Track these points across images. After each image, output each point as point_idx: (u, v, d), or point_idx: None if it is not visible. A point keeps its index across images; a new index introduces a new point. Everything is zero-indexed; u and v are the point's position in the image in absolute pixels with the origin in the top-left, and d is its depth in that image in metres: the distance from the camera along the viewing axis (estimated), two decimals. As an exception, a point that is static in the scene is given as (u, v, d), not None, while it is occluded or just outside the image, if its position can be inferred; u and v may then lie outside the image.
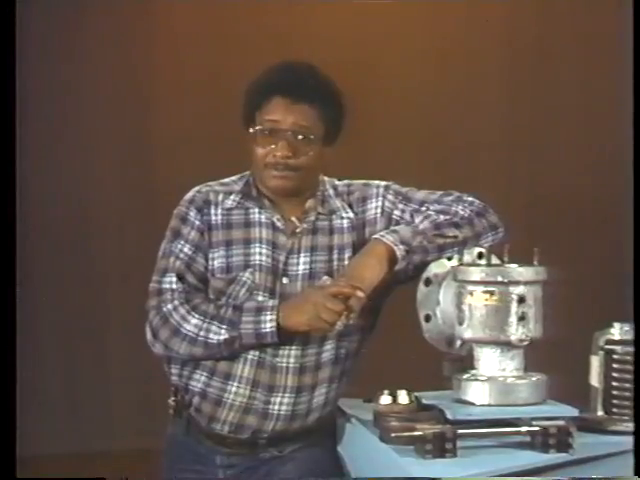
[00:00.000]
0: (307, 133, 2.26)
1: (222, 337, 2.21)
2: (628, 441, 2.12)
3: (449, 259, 2.28)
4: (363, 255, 2.22)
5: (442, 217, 2.25)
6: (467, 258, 2.25)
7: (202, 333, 2.22)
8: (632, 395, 2.21)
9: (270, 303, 2.22)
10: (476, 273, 2.16)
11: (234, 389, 2.27)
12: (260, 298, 2.26)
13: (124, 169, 4.94)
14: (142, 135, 4.97)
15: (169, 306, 2.25)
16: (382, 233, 2.23)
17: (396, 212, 2.31)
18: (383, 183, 2.36)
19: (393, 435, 2.07)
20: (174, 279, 2.27)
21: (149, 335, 2.28)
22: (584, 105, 5.24)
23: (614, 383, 2.23)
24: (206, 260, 2.29)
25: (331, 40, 4.88)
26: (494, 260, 2.22)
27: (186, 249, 2.29)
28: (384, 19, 5.08)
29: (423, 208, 2.29)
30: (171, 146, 4.88)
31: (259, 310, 2.21)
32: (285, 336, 2.21)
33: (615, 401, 2.23)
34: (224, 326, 2.21)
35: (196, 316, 2.23)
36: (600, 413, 2.25)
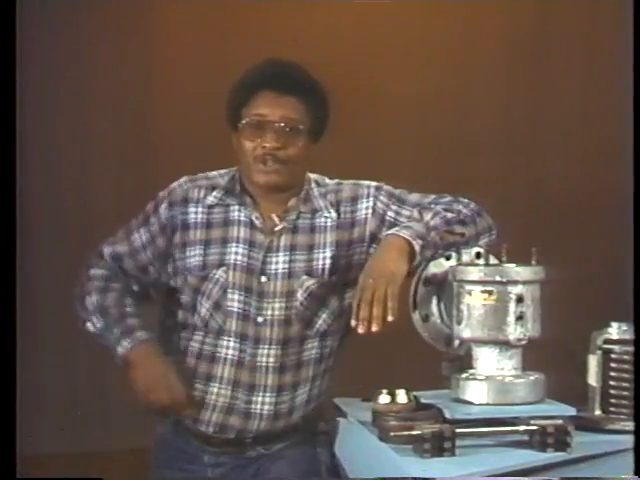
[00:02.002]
0: (295, 125, 2.26)
1: (97, 328, 2.33)
2: (625, 440, 2.13)
3: (447, 259, 2.30)
4: (382, 251, 2.18)
5: (450, 215, 2.24)
6: (465, 258, 2.26)
7: (89, 317, 2.33)
8: (630, 394, 2.22)
9: (125, 342, 2.29)
10: (474, 273, 2.17)
11: (215, 390, 2.28)
12: (236, 296, 2.26)
13: (126, 169, 4.91)
14: (143, 134, 4.95)
15: (98, 271, 2.36)
16: (397, 229, 2.20)
17: (390, 213, 2.30)
18: (374, 184, 2.35)
19: (392, 434, 2.08)
20: (111, 253, 2.36)
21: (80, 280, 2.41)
22: (582, 104, 5.25)
23: (612, 382, 2.25)
24: (159, 256, 2.33)
25: (329, 40, 4.90)
26: (492, 260, 2.24)
27: (144, 237, 2.34)
28: (381, 20, 5.09)
29: (432, 205, 2.28)
30: (174, 145, 4.86)
31: (122, 337, 2.30)
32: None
33: (613, 400, 2.25)
34: (101, 325, 2.32)
35: (96, 295, 2.33)
36: (598, 412, 2.26)
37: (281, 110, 2.25)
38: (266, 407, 2.27)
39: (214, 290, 2.27)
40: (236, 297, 2.26)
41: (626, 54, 4.31)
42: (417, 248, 2.15)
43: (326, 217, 2.31)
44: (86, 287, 2.36)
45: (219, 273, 2.27)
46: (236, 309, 2.27)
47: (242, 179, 2.33)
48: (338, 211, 2.31)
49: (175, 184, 2.36)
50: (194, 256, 2.29)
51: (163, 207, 2.33)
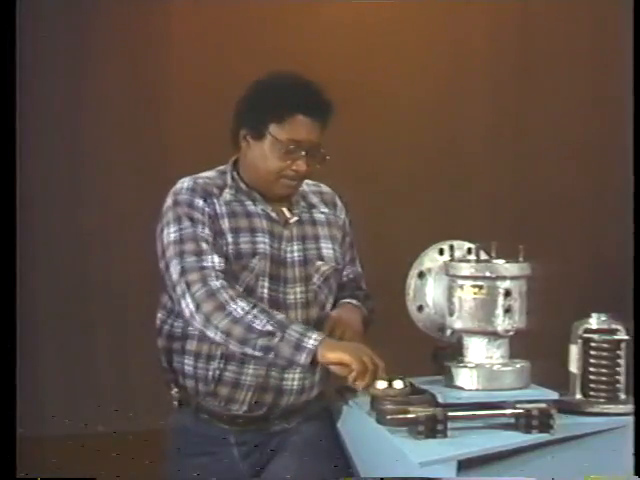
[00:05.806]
0: (319, 147, 2.42)
1: (266, 328, 2.26)
2: (603, 422, 2.28)
3: (441, 253, 2.43)
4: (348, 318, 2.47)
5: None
6: (457, 254, 2.40)
7: (249, 317, 2.26)
8: (607, 380, 2.36)
9: (314, 335, 2.25)
10: (466, 268, 2.30)
11: (251, 371, 2.41)
12: (266, 283, 2.40)
13: (128, 168, 4.89)
14: (143, 135, 4.93)
15: (217, 283, 2.31)
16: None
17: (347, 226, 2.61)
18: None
19: (389, 417, 2.21)
20: (217, 259, 2.35)
21: (191, 306, 2.30)
22: (572, 103, 5.30)
23: (591, 369, 2.38)
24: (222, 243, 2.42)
25: (327, 42, 4.93)
26: (482, 256, 2.36)
27: (207, 231, 2.38)
28: (378, 21, 5.12)
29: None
30: (184, 148, 4.83)
31: (307, 330, 2.28)
32: (314, 365, 2.27)
33: (592, 385, 2.38)
34: (272, 322, 2.27)
35: (244, 300, 2.30)
36: (578, 396, 2.38)
37: (312, 136, 2.40)
38: (295, 383, 2.44)
39: (248, 278, 2.39)
40: (266, 284, 2.41)
41: (616, 51, 4.42)
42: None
43: (322, 212, 2.54)
44: (222, 297, 2.30)
45: (254, 262, 2.40)
46: (266, 295, 2.40)
47: (241, 176, 2.46)
48: (327, 208, 2.55)
49: (188, 183, 2.43)
50: (228, 244, 2.40)
51: (198, 201, 2.40)
